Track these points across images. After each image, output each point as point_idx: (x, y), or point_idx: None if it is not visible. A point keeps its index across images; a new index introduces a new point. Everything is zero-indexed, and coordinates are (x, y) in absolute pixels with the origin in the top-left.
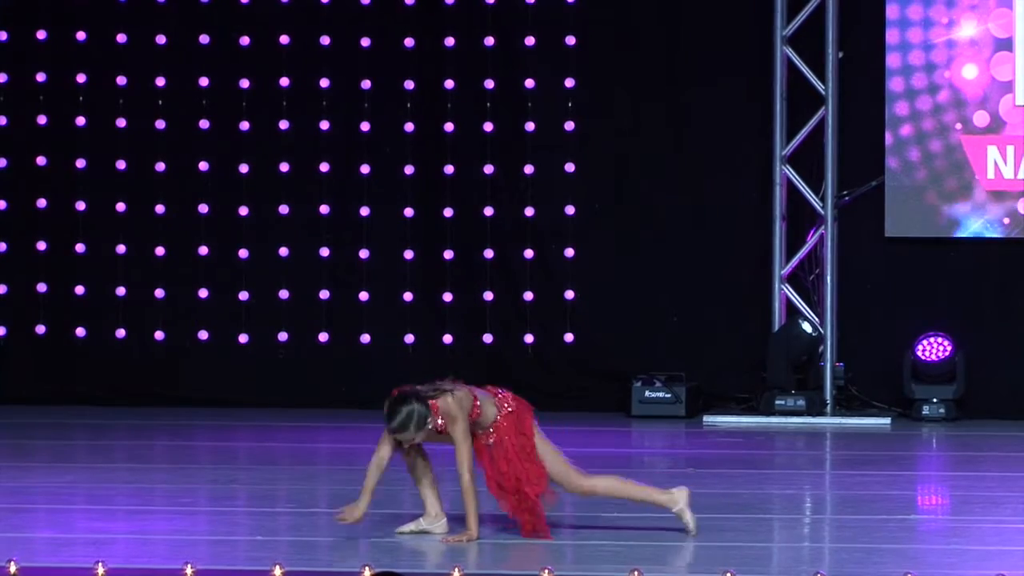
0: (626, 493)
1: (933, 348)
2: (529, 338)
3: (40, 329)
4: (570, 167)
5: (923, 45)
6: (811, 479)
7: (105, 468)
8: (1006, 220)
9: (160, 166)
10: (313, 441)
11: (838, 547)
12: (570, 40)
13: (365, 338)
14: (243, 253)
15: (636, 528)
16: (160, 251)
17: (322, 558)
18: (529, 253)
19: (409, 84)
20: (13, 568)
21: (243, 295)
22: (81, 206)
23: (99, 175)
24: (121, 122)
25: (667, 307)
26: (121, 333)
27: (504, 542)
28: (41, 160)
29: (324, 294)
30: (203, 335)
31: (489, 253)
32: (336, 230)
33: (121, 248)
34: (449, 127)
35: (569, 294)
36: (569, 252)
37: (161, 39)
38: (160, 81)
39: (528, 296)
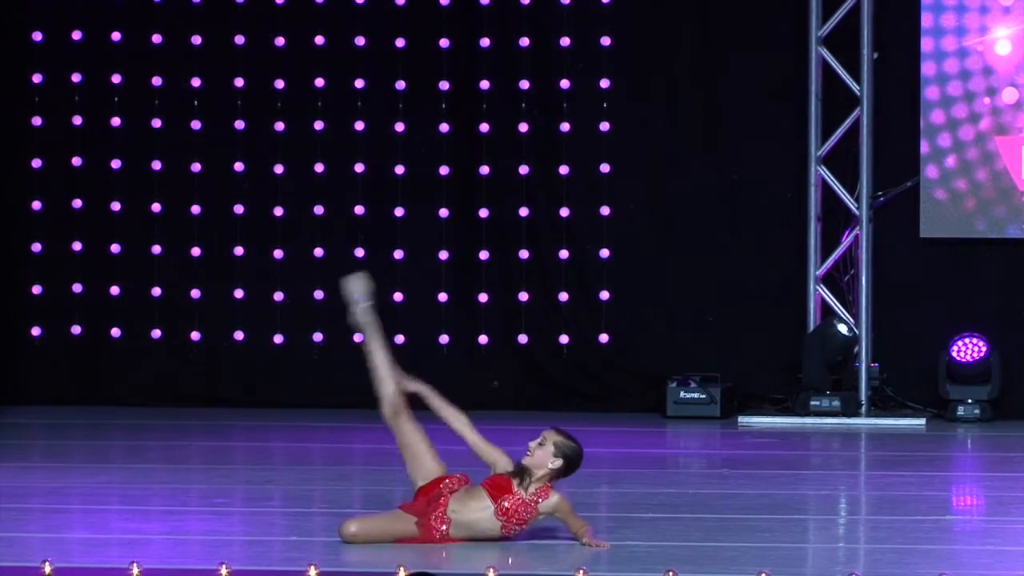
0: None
1: (968, 349)
2: (564, 339)
3: (75, 329)
4: (605, 167)
5: (957, 46)
6: (846, 480)
7: (140, 468)
8: None
9: (196, 167)
10: (347, 441)
11: (873, 548)
12: (605, 40)
13: (400, 339)
14: (278, 254)
15: (671, 528)
16: (195, 252)
17: (356, 559)
18: (564, 253)
19: (444, 85)
20: (48, 568)
21: (278, 296)
22: (116, 207)
23: (135, 176)
24: (156, 123)
25: (702, 308)
26: (156, 334)
27: (538, 543)
28: (76, 161)
29: None
30: (238, 335)
31: (524, 254)
32: (371, 231)
33: (156, 249)
34: (484, 128)
35: (604, 295)
36: (604, 253)
37: (196, 40)
38: (196, 82)
39: (563, 297)
